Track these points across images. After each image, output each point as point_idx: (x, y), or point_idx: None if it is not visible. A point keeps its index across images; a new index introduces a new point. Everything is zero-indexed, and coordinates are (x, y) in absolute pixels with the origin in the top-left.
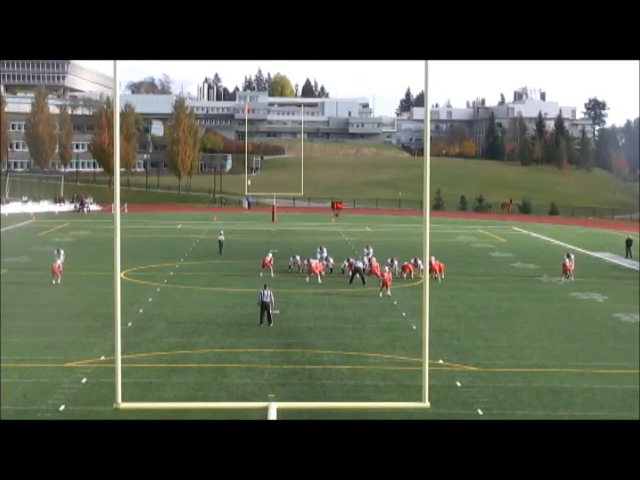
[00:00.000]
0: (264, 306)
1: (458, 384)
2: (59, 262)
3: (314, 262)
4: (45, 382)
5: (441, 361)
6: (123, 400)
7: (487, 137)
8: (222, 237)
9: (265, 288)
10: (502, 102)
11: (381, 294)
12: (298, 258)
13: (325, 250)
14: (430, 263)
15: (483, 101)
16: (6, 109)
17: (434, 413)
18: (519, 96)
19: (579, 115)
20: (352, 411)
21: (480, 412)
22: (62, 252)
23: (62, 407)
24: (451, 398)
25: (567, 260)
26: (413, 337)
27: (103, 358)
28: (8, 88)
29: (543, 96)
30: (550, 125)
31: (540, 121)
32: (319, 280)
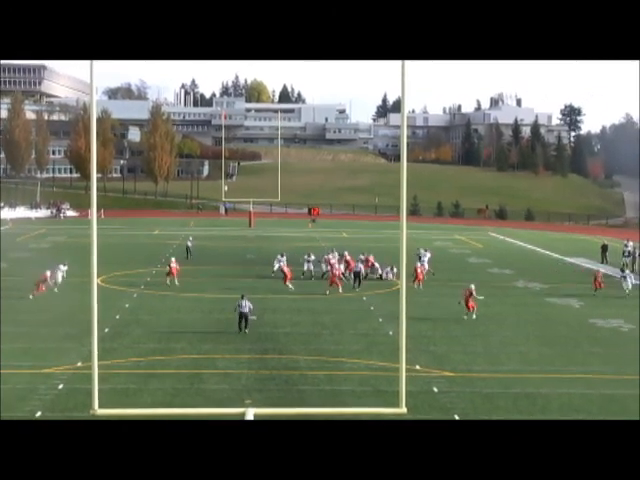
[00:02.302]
0: (242, 316)
1: (435, 390)
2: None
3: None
4: (21, 388)
5: (418, 367)
6: (100, 406)
7: (463, 143)
8: (190, 243)
9: (243, 298)
10: (478, 108)
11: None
12: (313, 257)
13: (313, 256)
14: (415, 270)
15: (459, 107)
16: None
17: (410, 419)
18: (495, 102)
19: (555, 121)
20: (328, 416)
21: (457, 417)
22: (62, 268)
23: (39, 413)
24: (428, 404)
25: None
26: (390, 342)
27: (80, 364)
28: None
29: (519, 102)
30: (526, 131)
31: (516, 127)
32: (340, 290)
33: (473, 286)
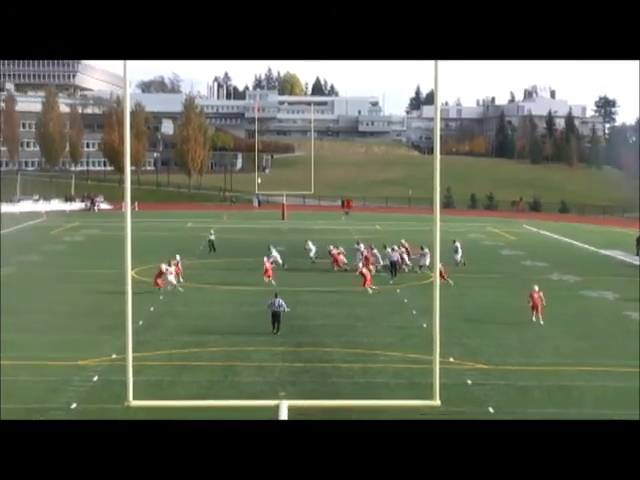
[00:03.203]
0: (275, 315)
1: (469, 382)
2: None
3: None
4: (57, 380)
5: (451, 359)
6: (134, 398)
7: (497, 135)
8: (213, 237)
9: (276, 297)
10: (512, 100)
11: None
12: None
13: (341, 248)
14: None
15: (493, 99)
16: (17, 108)
17: (445, 411)
18: (529, 94)
19: (589, 113)
20: (363, 409)
21: (491, 410)
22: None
23: (74, 405)
24: (462, 396)
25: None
26: (424, 335)
27: (114, 356)
28: (19, 87)
29: (553, 94)
30: (560, 123)
31: (550, 119)
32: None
33: (537, 287)
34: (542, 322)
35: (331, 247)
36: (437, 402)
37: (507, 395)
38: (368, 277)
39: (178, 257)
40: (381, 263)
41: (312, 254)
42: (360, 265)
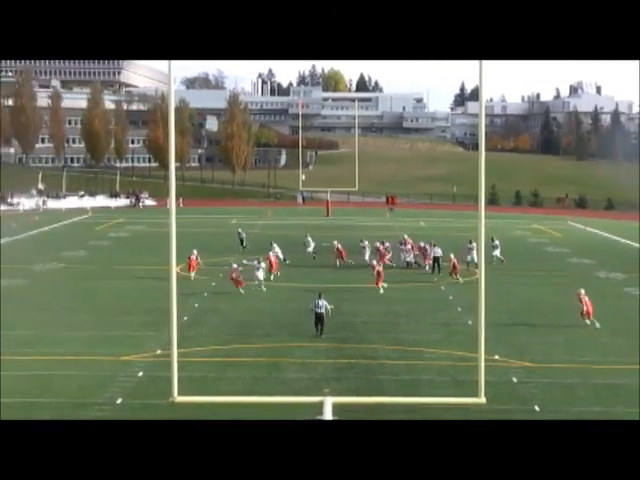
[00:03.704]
0: (318, 317)
1: (514, 380)
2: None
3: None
4: (102, 375)
5: (497, 357)
6: (179, 394)
7: (542, 131)
8: (244, 235)
9: (320, 297)
10: (557, 96)
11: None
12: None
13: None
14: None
15: (538, 95)
16: (62, 105)
17: (490, 409)
18: (574, 90)
19: (636, 109)
20: (407, 406)
21: (537, 408)
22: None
23: (119, 400)
24: (507, 394)
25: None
26: (469, 332)
27: (159, 352)
28: (64, 84)
29: (599, 90)
30: (606, 119)
31: (596, 115)
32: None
33: (583, 290)
34: (598, 325)
35: (377, 243)
36: (482, 400)
37: (552, 393)
38: (382, 275)
39: (195, 252)
40: (402, 259)
41: (310, 249)
42: (374, 262)
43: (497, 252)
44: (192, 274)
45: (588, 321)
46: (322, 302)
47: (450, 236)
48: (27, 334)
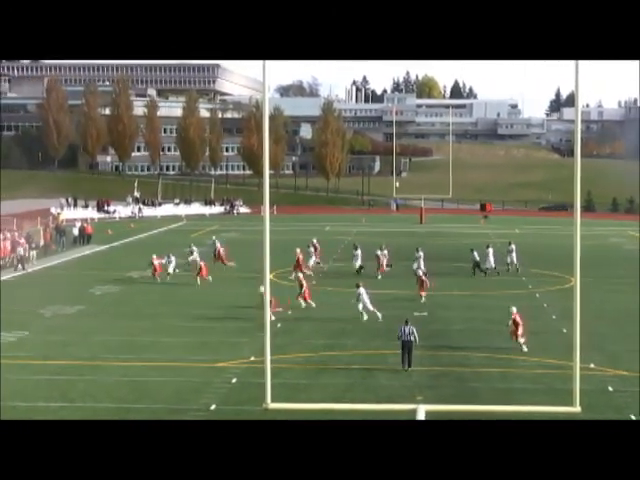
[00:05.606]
0: (405, 346)
1: (610, 389)
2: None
3: None
4: (196, 381)
5: (592, 365)
6: (272, 400)
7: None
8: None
9: (407, 324)
10: None
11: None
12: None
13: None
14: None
15: (635, 100)
16: (158, 113)
17: (585, 418)
18: None
19: None
20: (501, 415)
21: (633, 417)
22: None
23: (213, 406)
24: (603, 403)
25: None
26: (564, 340)
27: (253, 358)
28: (160, 93)
29: None
30: None
31: None
32: None
33: None
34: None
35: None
36: (577, 409)
37: None
38: (427, 284)
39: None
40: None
41: (358, 263)
42: (420, 272)
43: (513, 257)
44: (197, 279)
45: None
46: (410, 328)
47: (543, 243)
48: (122, 340)
